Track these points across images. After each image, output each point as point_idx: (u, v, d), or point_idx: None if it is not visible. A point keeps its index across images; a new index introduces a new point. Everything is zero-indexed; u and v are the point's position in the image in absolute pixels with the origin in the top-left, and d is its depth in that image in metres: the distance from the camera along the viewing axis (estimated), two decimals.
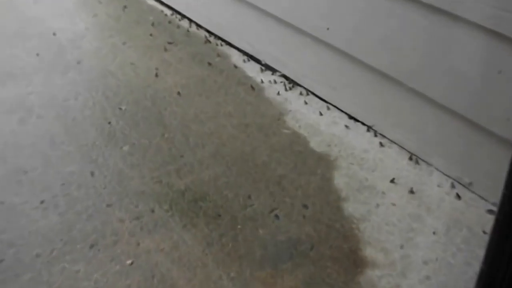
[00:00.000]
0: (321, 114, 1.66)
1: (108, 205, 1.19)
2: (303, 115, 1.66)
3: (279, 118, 1.66)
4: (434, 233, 1.12)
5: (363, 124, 1.59)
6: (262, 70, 1.94)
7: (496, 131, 1.04)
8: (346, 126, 1.60)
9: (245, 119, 1.63)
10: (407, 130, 1.38)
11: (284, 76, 1.89)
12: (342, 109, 1.67)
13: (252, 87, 1.82)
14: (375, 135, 1.55)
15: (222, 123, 1.61)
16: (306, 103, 1.73)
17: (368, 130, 1.57)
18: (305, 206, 1.27)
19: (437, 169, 1.32)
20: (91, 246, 1.05)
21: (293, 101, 1.75)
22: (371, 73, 1.42)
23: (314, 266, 1.03)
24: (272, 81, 1.88)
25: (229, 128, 1.58)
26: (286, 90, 1.83)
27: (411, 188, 1.28)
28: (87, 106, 1.58)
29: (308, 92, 1.79)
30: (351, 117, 1.63)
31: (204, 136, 1.54)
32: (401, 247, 1.08)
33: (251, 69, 1.93)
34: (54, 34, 1.93)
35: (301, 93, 1.79)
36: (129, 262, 1.01)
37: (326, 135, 1.56)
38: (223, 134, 1.55)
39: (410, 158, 1.40)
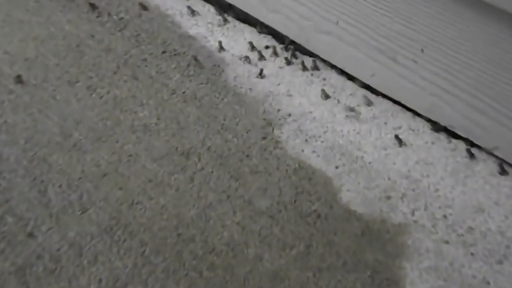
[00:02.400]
0: (363, 120, 1.77)
1: None
2: (322, 124, 1.78)
3: (265, 134, 1.75)
4: None
5: (475, 146, 1.68)
6: (224, 22, 2.09)
7: None
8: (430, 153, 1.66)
9: (182, 138, 1.72)
10: None
11: (272, 33, 2.05)
12: (417, 110, 1.76)
13: (198, 61, 1.95)
14: (504, 171, 1.61)
15: (127, 149, 1.69)
16: (326, 95, 1.85)
17: (490, 162, 1.64)
18: None
19: None
20: None
21: (297, 91, 1.88)
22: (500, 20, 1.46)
23: None
24: (247, 45, 2.01)
25: (143, 162, 1.65)
26: (279, 66, 1.96)
27: None
28: None
29: (334, 69, 1.93)
30: (444, 130, 1.72)
31: (87, 183, 1.59)
32: None
33: (197, 17, 2.10)
34: None
35: (313, 72, 1.95)
36: None
37: (380, 175, 1.63)
38: (131, 179, 1.61)
39: None
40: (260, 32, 2.03)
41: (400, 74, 1.73)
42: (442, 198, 1.56)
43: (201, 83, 1.87)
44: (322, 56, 1.91)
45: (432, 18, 1.59)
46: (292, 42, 1.96)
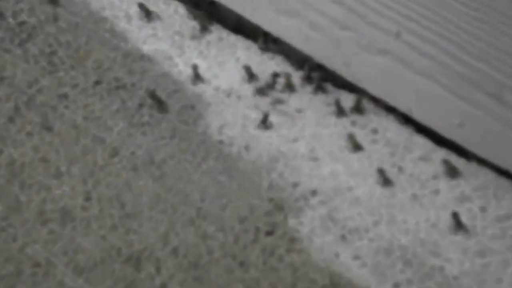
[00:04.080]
0: (444, 202, 1.76)
1: None
2: (371, 210, 1.78)
3: (273, 226, 1.76)
4: None
5: None
6: (201, 31, 2.15)
7: None
8: None
9: (130, 232, 1.75)
10: None
11: (284, 51, 2.08)
12: None
13: (157, 99, 2.00)
14: None
15: (31, 253, 1.69)
16: (378, 159, 1.83)
17: None
18: None
19: None
20: None
21: (327, 150, 1.91)
22: None
23: None
24: (241, 72, 2.04)
25: (61, 275, 1.66)
26: (297, 107, 1.99)
27: None
28: None
29: (392, 113, 1.96)
30: None
31: None
32: None
33: (156, 23, 2.17)
34: None
35: (356, 118, 1.98)
36: None
37: None
38: None
39: None
40: (263, 50, 2.04)
41: (510, 122, 1.72)
42: None
43: (163, 138, 1.88)
44: (370, 91, 1.90)
45: None
46: (319, 67, 1.95)
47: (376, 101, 1.90)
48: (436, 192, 1.75)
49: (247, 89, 1.96)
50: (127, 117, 1.90)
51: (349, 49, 1.91)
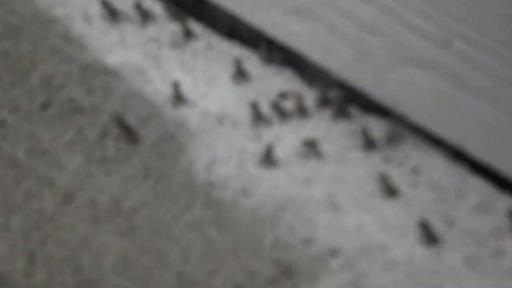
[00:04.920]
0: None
1: None
2: (412, 276, 1.74)
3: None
4: None
5: None
6: (185, 37, 2.10)
7: None
8: None
9: None
10: None
11: (294, 63, 2.01)
12: None
13: (125, 127, 1.95)
14: None
15: None
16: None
17: None
18: None
19: None
20: None
21: (350, 195, 1.88)
22: None
23: None
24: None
25: None
26: (310, 137, 1.88)
27: None
28: None
29: (438, 147, 1.93)
30: None
31: None
32: None
33: (124, 26, 2.10)
34: None
35: (389, 154, 1.94)
36: None
37: None
38: None
39: None
40: (266, 61, 1.95)
41: None
42: None
43: (133, 178, 1.83)
44: (409, 117, 1.82)
45: None
46: (340, 85, 1.85)
47: (417, 130, 1.79)
48: (499, 253, 1.63)
49: (245, 114, 1.82)
50: (86, 150, 1.81)
51: (381, 61, 1.81)
